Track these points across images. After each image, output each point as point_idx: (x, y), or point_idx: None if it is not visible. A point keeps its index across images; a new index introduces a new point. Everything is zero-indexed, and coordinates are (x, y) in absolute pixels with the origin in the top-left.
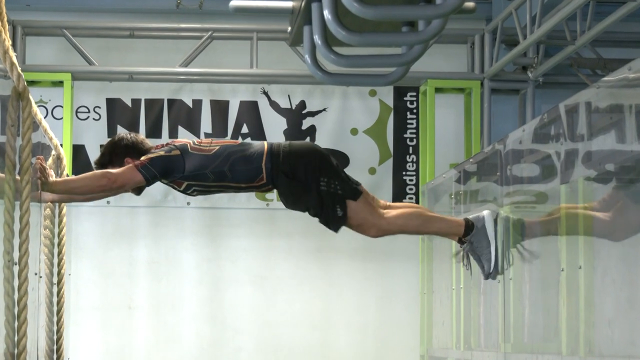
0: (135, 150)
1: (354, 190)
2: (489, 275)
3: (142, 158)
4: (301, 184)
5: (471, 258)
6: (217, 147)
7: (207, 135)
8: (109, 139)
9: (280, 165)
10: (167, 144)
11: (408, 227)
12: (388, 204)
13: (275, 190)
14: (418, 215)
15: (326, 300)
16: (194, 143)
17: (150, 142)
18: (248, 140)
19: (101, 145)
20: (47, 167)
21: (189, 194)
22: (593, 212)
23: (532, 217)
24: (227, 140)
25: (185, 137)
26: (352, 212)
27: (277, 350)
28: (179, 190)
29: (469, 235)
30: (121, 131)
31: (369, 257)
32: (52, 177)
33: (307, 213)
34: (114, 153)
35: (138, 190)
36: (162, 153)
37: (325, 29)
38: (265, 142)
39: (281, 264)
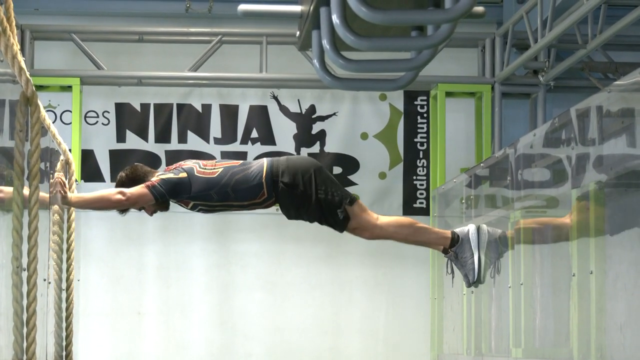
0: (138, 177)
1: (350, 196)
2: (471, 284)
3: (153, 179)
4: (301, 193)
5: (455, 267)
6: (220, 170)
7: (216, 140)
8: (122, 171)
9: (280, 178)
10: (176, 167)
11: (399, 234)
12: (380, 216)
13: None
14: (409, 225)
15: (336, 306)
16: (199, 166)
17: (158, 149)
18: (250, 159)
19: (110, 151)
20: (66, 183)
21: (196, 212)
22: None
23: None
24: (229, 161)
25: (194, 146)
26: (351, 215)
27: (287, 355)
28: (186, 208)
29: (454, 247)
30: (130, 137)
31: (379, 263)
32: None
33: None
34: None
35: (165, 207)
36: (171, 175)
37: (334, 33)
38: (264, 160)
39: (291, 269)
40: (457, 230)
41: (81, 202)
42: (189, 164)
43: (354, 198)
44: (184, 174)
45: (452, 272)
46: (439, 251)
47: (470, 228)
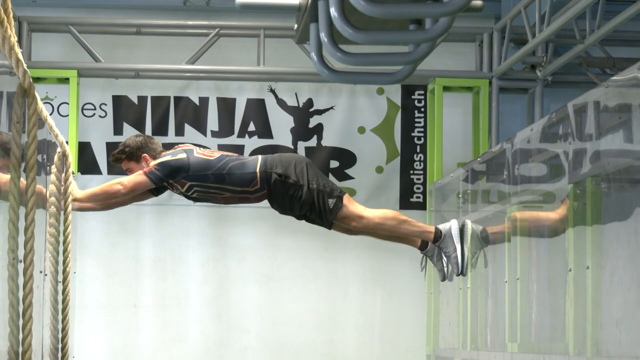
0: (148, 149)
1: (339, 189)
2: (456, 275)
3: (151, 164)
4: (294, 182)
5: (429, 262)
6: (218, 155)
7: (213, 133)
8: (127, 139)
9: (274, 169)
10: (175, 148)
11: (383, 227)
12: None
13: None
14: (393, 217)
15: (332, 300)
16: (199, 149)
17: (158, 141)
18: (247, 152)
19: (107, 143)
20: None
21: (189, 196)
22: (542, 212)
23: (495, 226)
24: (226, 152)
25: (191, 139)
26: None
27: (283, 349)
28: (181, 192)
29: (437, 241)
30: (127, 129)
31: (375, 257)
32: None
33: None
34: (131, 151)
35: (156, 192)
36: (169, 157)
37: (332, 26)
38: (259, 156)
39: (287, 262)
40: (440, 225)
41: (86, 197)
42: (189, 145)
43: (344, 192)
44: (183, 154)
45: (425, 267)
46: (416, 247)
47: (452, 224)
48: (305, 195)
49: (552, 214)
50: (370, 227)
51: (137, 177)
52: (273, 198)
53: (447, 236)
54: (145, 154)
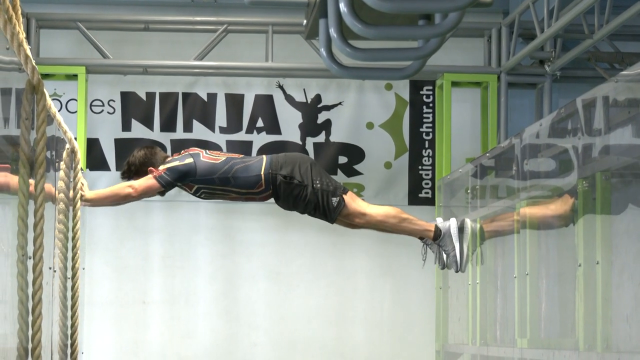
0: (152, 161)
1: (342, 186)
2: (454, 272)
3: (160, 168)
4: (299, 183)
5: (429, 251)
6: (224, 158)
7: (222, 129)
8: (130, 156)
9: (279, 172)
10: (182, 153)
11: (385, 224)
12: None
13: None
14: (395, 215)
15: (341, 296)
16: (205, 152)
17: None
18: (255, 148)
19: (116, 139)
20: (86, 184)
21: (197, 196)
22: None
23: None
24: (232, 154)
25: (199, 135)
26: (344, 203)
27: (292, 345)
28: (190, 193)
29: (437, 240)
30: (135, 126)
31: (384, 252)
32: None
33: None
34: (135, 168)
35: (162, 193)
36: (177, 162)
37: (341, 22)
38: (264, 156)
39: (296, 259)
40: (440, 224)
41: (96, 199)
42: (195, 149)
43: (347, 189)
44: (190, 159)
45: (426, 256)
46: (417, 238)
47: (452, 223)
48: (310, 195)
49: (546, 210)
50: (372, 223)
51: (147, 181)
52: (278, 197)
53: (446, 235)
54: (150, 167)
